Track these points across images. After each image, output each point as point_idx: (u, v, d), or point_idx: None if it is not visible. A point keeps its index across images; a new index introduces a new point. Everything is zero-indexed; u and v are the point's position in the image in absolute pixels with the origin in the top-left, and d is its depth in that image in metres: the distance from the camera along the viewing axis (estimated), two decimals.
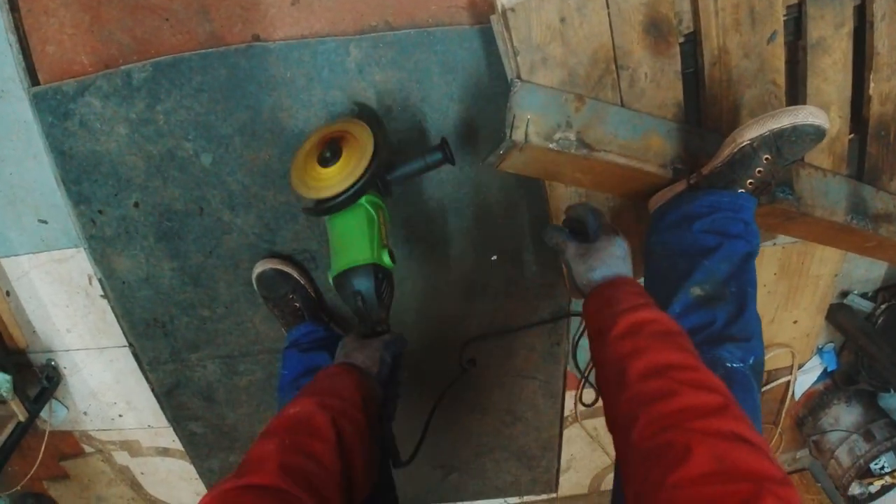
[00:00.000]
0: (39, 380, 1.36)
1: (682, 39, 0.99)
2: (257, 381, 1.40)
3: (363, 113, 1.07)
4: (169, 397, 1.44)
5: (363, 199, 0.91)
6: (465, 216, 1.20)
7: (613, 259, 0.76)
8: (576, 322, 1.35)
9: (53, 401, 1.44)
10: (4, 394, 1.21)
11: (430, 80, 1.07)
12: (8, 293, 1.28)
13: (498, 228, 1.22)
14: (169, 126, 1.08)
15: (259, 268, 1.18)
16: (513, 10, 0.92)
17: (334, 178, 0.89)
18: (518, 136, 0.92)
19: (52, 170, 1.13)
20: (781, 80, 1.00)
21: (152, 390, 1.43)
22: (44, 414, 1.41)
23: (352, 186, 0.88)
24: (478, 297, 1.30)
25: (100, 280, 1.26)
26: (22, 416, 1.27)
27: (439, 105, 1.08)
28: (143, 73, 1.05)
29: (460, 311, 1.32)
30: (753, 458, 0.45)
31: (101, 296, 1.29)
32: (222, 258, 1.21)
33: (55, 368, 1.38)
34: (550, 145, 0.93)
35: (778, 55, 0.99)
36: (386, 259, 0.89)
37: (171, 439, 1.53)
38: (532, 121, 0.92)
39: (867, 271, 1.38)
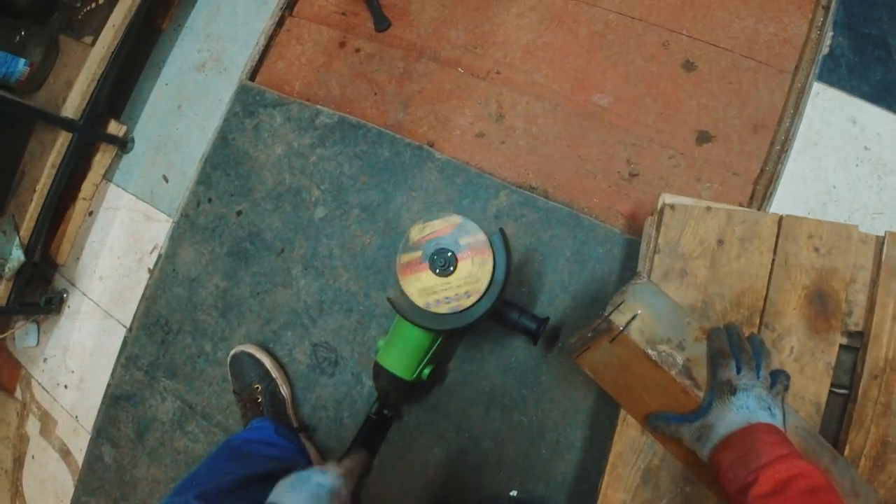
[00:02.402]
0: (43, 296, 1.29)
1: (844, 340, 0.82)
2: (191, 453, 1.17)
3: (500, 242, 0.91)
4: (112, 404, 1.26)
5: None
6: (509, 423, 0.97)
7: (740, 415, 0.64)
8: None
9: (33, 325, 1.35)
10: (7, 269, 1.15)
11: (554, 260, 0.96)
12: (91, 213, 1.30)
13: (536, 460, 0.95)
14: (314, 168, 1.09)
15: (232, 351, 1.08)
16: (672, 207, 0.80)
17: (438, 293, 0.77)
18: (618, 319, 0.74)
19: (206, 146, 1.19)
20: None
21: (106, 386, 1.28)
22: (18, 330, 1.32)
23: (447, 321, 0.78)
24: None
25: (160, 255, 1.22)
26: (0, 300, 1.18)
27: (550, 287, 0.97)
28: (329, 119, 1.10)
29: None
30: None
31: (149, 269, 1.24)
32: (262, 306, 1.11)
33: (62, 301, 1.32)
34: (650, 352, 0.73)
35: None
36: (425, 373, 0.88)
37: (80, 447, 1.31)
38: (641, 316, 0.75)
39: None
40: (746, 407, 0.65)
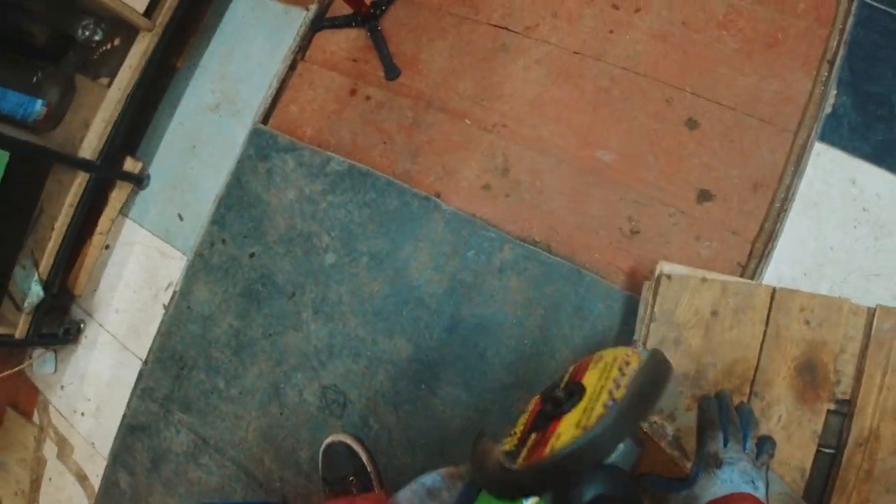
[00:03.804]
0: (61, 326, 1.33)
1: (832, 406, 0.85)
2: (204, 485, 1.21)
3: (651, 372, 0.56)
4: (128, 433, 1.31)
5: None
6: None
7: (724, 488, 0.66)
8: None
9: (51, 353, 1.39)
10: (27, 304, 1.19)
11: (556, 315, 1.00)
12: (107, 247, 1.34)
13: None
14: (325, 215, 1.12)
15: (329, 439, 1.08)
16: (669, 277, 0.84)
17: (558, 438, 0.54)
18: None
19: (220, 188, 1.22)
20: None
21: (123, 416, 1.32)
22: (37, 358, 1.37)
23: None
24: None
25: (174, 292, 1.26)
26: (19, 333, 1.23)
27: (552, 341, 1.00)
28: (340, 166, 1.13)
29: None
30: None
31: (164, 305, 1.28)
32: (274, 347, 1.15)
33: (79, 331, 1.37)
34: (643, 424, 0.76)
35: None
36: None
37: (96, 473, 1.36)
38: None
39: None
40: (730, 481, 0.67)
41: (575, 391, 0.52)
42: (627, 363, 0.51)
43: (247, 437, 1.17)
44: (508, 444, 0.54)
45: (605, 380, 0.51)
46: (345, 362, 1.09)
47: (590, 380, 0.53)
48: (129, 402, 1.32)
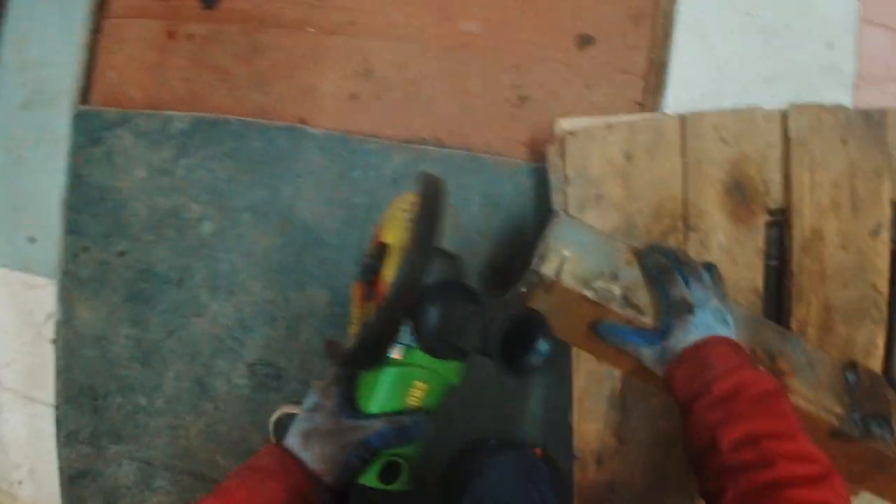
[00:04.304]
0: None
1: (768, 218, 0.83)
2: None
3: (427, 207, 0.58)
4: (71, 484, 1.18)
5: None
6: (471, 377, 0.95)
7: (700, 332, 0.63)
8: None
9: None
10: None
11: (467, 209, 0.92)
12: None
13: (506, 405, 0.95)
14: (185, 182, 0.98)
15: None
16: (573, 134, 0.76)
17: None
18: (548, 270, 0.69)
19: (61, 191, 1.05)
20: (884, 285, 0.82)
21: (59, 469, 1.19)
22: None
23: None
24: None
25: (56, 322, 1.10)
26: None
27: (470, 239, 0.92)
28: (183, 123, 0.98)
29: None
30: None
31: (52, 340, 1.12)
32: (182, 343, 1.02)
33: None
34: (586, 292, 0.70)
35: (881, 253, 0.82)
36: None
37: None
38: (570, 259, 0.71)
39: None
40: (704, 324, 0.63)
41: (380, 252, 0.56)
42: (410, 203, 0.54)
43: (190, 444, 1.07)
44: (353, 331, 0.59)
45: (399, 224, 0.54)
46: (263, 332, 0.99)
47: (388, 235, 0.57)
48: (58, 454, 1.18)
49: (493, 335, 0.46)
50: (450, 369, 0.59)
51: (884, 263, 0.83)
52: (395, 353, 0.56)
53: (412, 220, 0.51)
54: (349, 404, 0.57)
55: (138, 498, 1.14)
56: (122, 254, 1.02)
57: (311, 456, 0.55)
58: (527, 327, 0.48)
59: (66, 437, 1.15)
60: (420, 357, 0.56)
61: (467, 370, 0.61)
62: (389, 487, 0.57)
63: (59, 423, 1.16)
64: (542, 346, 0.48)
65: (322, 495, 0.54)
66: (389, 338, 0.54)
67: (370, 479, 0.56)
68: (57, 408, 1.16)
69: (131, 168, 1.00)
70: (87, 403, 1.11)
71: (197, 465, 1.08)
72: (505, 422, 0.97)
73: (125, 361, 1.06)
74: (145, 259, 1.01)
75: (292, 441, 0.56)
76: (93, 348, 1.08)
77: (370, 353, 0.54)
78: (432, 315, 0.53)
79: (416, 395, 0.57)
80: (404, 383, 0.57)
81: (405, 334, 0.55)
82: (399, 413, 0.56)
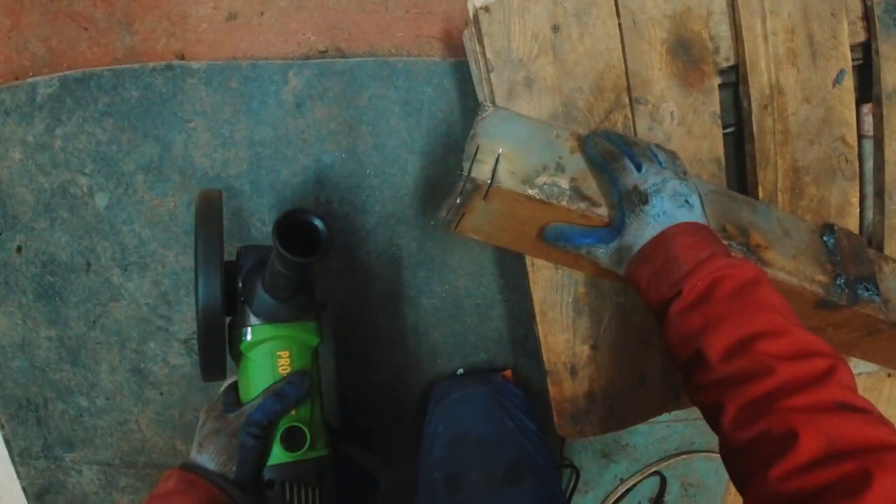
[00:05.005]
0: None
1: (721, 79, 0.74)
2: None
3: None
4: (40, 502, 1.11)
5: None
6: (422, 312, 0.86)
7: (659, 224, 0.55)
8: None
9: None
10: None
11: (386, 123, 0.80)
12: None
13: (466, 332, 0.86)
14: (66, 155, 0.86)
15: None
16: (486, 10, 0.65)
17: None
18: (481, 172, 0.59)
19: None
20: (853, 137, 0.74)
21: (23, 490, 1.12)
22: None
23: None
24: None
25: None
26: None
27: (396, 155, 0.81)
28: (49, 88, 0.85)
29: None
30: (865, 428, 0.39)
31: None
32: (107, 332, 0.92)
33: None
34: (530, 191, 0.60)
35: (847, 103, 0.74)
36: None
37: None
38: (505, 156, 0.60)
39: None
40: (663, 213, 0.55)
41: None
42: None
43: (144, 436, 0.99)
44: None
45: None
46: (189, 303, 0.89)
47: None
48: (17, 474, 1.11)
49: (273, 237, 0.51)
50: (300, 329, 0.63)
51: (850, 114, 0.75)
52: (248, 336, 0.61)
53: (193, 240, 0.57)
54: (235, 405, 0.62)
55: (109, 501, 1.07)
56: (19, 249, 0.91)
57: (208, 457, 0.56)
58: (297, 218, 0.54)
59: (20, 455, 1.07)
60: (269, 329, 0.61)
61: (322, 327, 0.66)
62: (298, 454, 0.59)
63: (8, 442, 1.08)
64: (317, 222, 0.55)
65: (239, 500, 0.55)
66: (220, 349, 0.59)
67: (277, 455, 0.59)
68: (2, 427, 1.07)
69: (5, 151, 0.88)
70: (30, 416, 1.02)
71: (158, 456, 1.00)
72: (472, 351, 0.89)
73: (54, 364, 0.96)
74: (45, 249, 0.90)
75: (191, 457, 0.58)
76: (18, 358, 0.98)
77: (212, 367, 0.60)
78: (258, 288, 0.60)
79: (284, 363, 0.61)
80: (268, 358, 0.61)
81: (248, 316, 0.60)
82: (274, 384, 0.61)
